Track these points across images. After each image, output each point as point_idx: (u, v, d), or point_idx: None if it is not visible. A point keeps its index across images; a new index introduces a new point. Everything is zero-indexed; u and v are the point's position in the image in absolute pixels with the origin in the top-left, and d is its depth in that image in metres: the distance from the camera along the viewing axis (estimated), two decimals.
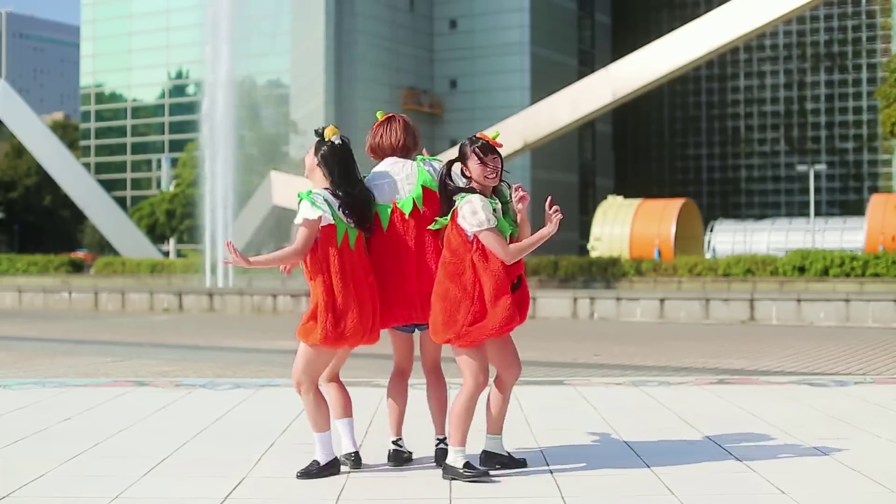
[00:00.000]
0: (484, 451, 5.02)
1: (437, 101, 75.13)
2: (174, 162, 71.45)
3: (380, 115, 5.25)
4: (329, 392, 5.19)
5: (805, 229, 45.24)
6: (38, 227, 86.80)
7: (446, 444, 5.13)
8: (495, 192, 4.93)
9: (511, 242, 4.85)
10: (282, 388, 8.34)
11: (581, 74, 59.72)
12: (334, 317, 4.89)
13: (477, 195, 4.81)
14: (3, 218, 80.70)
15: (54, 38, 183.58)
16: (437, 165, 5.12)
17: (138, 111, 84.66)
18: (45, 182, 73.02)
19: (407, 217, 5.02)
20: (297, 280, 29.08)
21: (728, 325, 18.37)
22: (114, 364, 11.59)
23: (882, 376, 9.51)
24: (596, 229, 41.23)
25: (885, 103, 36.24)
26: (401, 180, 5.07)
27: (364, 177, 5.12)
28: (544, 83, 67.12)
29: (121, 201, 67.61)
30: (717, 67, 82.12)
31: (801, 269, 25.61)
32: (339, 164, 4.99)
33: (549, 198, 4.94)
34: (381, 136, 5.17)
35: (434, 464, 5.11)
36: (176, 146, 76.40)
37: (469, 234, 4.80)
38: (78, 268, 40.13)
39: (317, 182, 5.04)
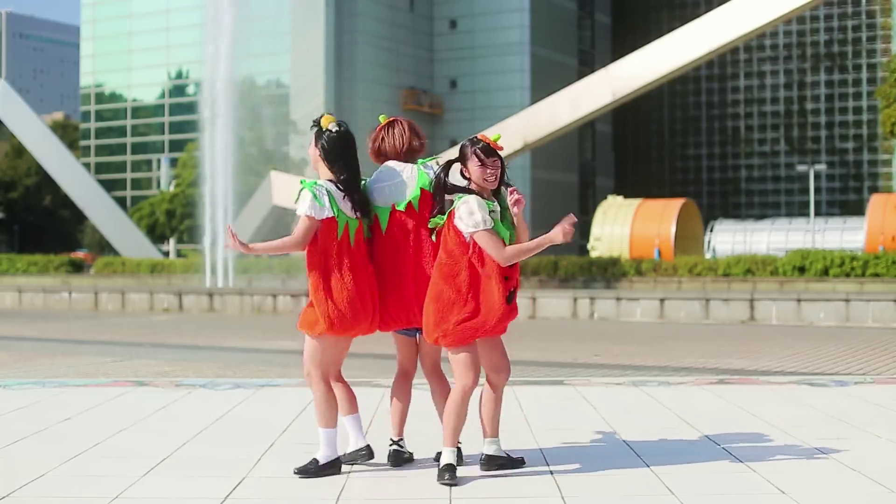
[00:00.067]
0: (486, 455, 5.01)
1: (437, 101, 75.13)
2: (174, 162, 71.45)
3: (382, 119, 5.24)
4: (336, 390, 5.21)
5: (805, 229, 45.24)
6: (38, 227, 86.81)
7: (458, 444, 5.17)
8: (496, 196, 4.92)
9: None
10: (282, 388, 8.35)
11: (581, 74, 59.73)
12: (336, 306, 4.92)
13: (474, 196, 4.81)
14: (3, 218, 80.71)
15: (54, 38, 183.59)
16: (436, 167, 5.12)
17: (138, 111, 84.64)
18: (45, 182, 73.03)
19: (404, 219, 5.03)
20: (298, 280, 29.15)
21: (728, 325, 18.37)
22: (114, 364, 11.58)
23: (882, 376, 9.51)
24: (596, 229, 41.23)
25: (885, 103, 36.25)
26: (401, 183, 5.07)
27: (364, 180, 5.12)
28: (544, 83, 67.12)
29: (121, 201, 67.60)
30: (717, 67, 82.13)
31: (801, 269, 25.61)
32: (339, 151, 5.01)
33: (574, 219, 4.88)
34: (385, 140, 5.17)
35: (436, 464, 5.11)
36: (176, 146, 76.40)
37: (466, 235, 4.79)
38: (78, 268, 40.14)
39: (322, 173, 5.06)
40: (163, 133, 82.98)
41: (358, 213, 5.00)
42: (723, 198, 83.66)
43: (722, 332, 16.64)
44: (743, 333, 16.17)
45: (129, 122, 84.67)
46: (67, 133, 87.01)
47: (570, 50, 78.45)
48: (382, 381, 7.94)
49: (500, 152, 4.91)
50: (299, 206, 4.95)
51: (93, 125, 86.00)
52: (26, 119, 50.59)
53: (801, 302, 18.66)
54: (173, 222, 62.96)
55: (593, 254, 38.59)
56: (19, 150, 77.57)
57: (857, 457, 5.26)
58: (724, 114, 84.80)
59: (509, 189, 4.91)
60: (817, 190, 69.09)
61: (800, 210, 73.39)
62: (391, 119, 5.23)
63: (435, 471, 4.88)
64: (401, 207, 5.03)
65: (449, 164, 4.92)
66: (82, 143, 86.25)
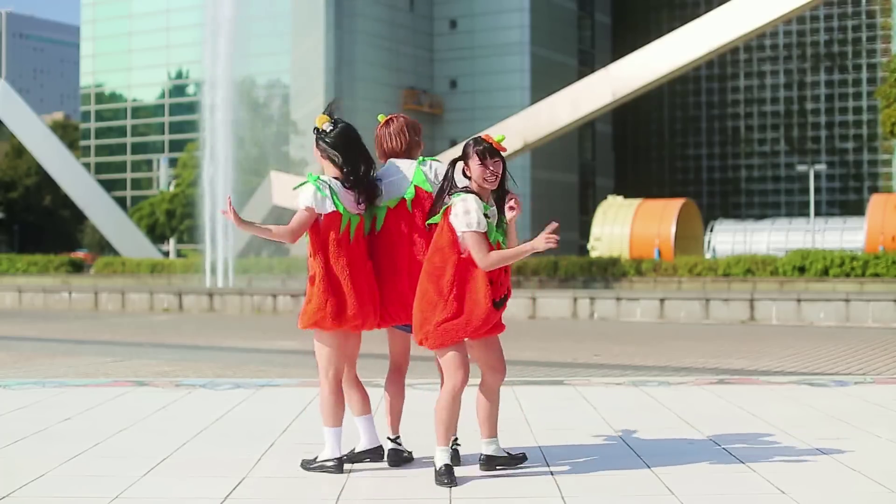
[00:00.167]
0: (485, 455, 5.00)
1: (437, 101, 75.14)
2: (173, 162, 71.45)
3: (381, 119, 5.28)
4: (348, 391, 5.24)
5: (805, 229, 45.25)
6: (38, 227, 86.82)
7: (457, 445, 5.17)
8: (497, 201, 4.89)
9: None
10: (282, 388, 8.35)
11: (581, 74, 59.74)
12: (333, 300, 4.94)
13: (473, 196, 4.80)
14: (3, 218, 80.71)
15: (54, 38, 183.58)
16: (436, 165, 5.14)
17: (138, 111, 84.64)
18: (45, 182, 73.04)
19: (399, 216, 5.06)
20: (298, 280, 29.14)
21: (728, 325, 18.37)
22: (114, 364, 11.58)
23: (882, 376, 9.51)
24: (596, 229, 41.24)
25: (885, 103, 36.26)
26: (397, 181, 5.10)
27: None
28: (544, 83, 67.13)
29: (121, 201, 67.61)
30: (717, 67, 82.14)
31: (801, 269, 25.62)
32: (338, 148, 5.02)
33: (556, 224, 4.89)
34: (383, 140, 5.22)
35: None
36: (176, 146, 76.40)
37: (459, 233, 4.79)
38: (78, 268, 40.14)
39: (329, 171, 5.09)
40: (163, 133, 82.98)
41: (361, 207, 5.02)
42: (723, 198, 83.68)
43: (722, 332, 16.64)
44: (743, 333, 16.17)
45: (129, 122, 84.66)
46: (67, 133, 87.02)
47: (570, 50, 78.45)
48: (382, 381, 7.94)
49: (502, 155, 4.90)
50: (300, 198, 4.96)
51: (93, 125, 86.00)
52: (26, 119, 50.59)
53: (801, 302, 18.66)
54: (173, 222, 62.97)
55: (593, 254, 38.60)
56: (19, 150, 77.59)
57: (857, 457, 5.26)
58: (724, 114, 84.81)
59: (508, 195, 4.90)
60: (817, 190, 69.10)
61: (800, 210, 73.41)
62: (388, 117, 5.27)
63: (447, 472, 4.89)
64: (392, 205, 5.06)
65: (454, 162, 4.92)
66: (82, 143, 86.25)
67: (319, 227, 4.97)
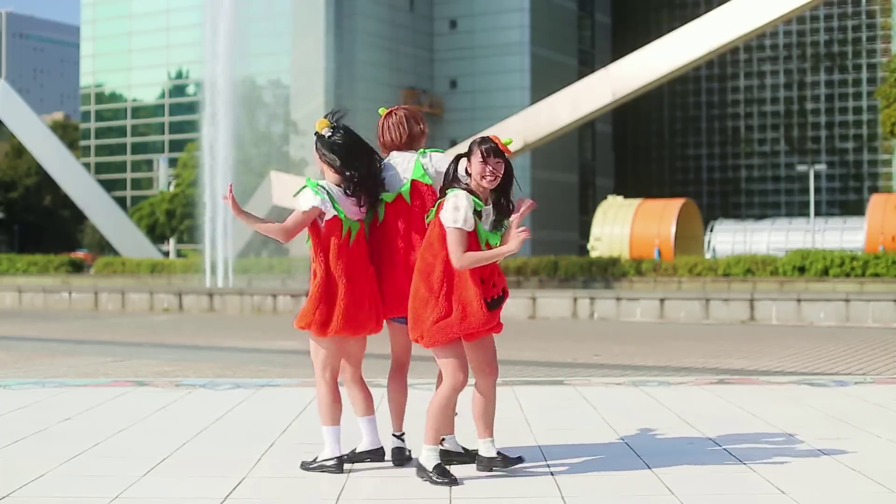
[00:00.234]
0: (479, 456, 5.00)
1: (437, 101, 75.15)
2: (173, 162, 71.45)
3: (382, 112, 5.28)
4: (351, 391, 5.24)
5: (805, 229, 45.25)
6: (38, 227, 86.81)
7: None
8: (496, 208, 4.84)
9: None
10: (282, 388, 8.35)
11: (581, 74, 59.74)
12: (326, 308, 4.95)
13: (465, 192, 4.79)
14: (3, 218, 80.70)
15: (54, 38, 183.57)
16: (437, 157, 5.12)
17: (138, 111, 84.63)
18: (45, 182, 73.03)
19: (396, 210, 5.07)
20: (298, 280, 29.14)
21: (728, 325, 18.37)
22: (114, 364, 11.58)
23: (882, 376, 9.51)
24: (596, 229, 41.24)
25: (885, 103, 36.27)
26: (395, 175, 5.10)
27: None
28: (544, 83, 67.12)
29: (121, 201, 67.61)
30: (717, 67, 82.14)
31: (801, 269, 25.61)
32: (336, 153, 5.02)
33: (530, 202, 4.88)
34: (383, 132, 5.22)
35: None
36: (176, 146, 76.39)
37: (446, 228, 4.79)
38: (78, 268, 40.15)
39: (329, 177, 5.09)
40: (163, 133, 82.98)
41: (363, 211, 5.03)
42: (723, 198, 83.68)
43: (722, 332, 16.64)
44: (743, 333, 16.17)
45: (129, 122, 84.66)
46: (67, 133, 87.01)
47: (570, 50, 78.45)
48: (382, 381, 7.94)
49: (506, 157, 4.87)
50: (299, 202, 4.96)
51: (93, 125, 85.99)
52: (26, 119, 50.59)
53: (801, 302, 18.66)
54: (173, 222, 62.96)
55: (593, 254, 38.60)
56: (19, 150, 77.58)
57: (857, 457, 5.26)
58: (724, 114, 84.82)
59: (521, 200, 4.87)
60: (817, 190, 69.10)
61: (800, 210, 73.41)
62: (389, 110, 5.27)
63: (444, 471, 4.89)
64: (389, 199, 5.06)
65: (458, 158, 4.92)
66: (82, 143, 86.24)
67: (320, 231, 4.97)
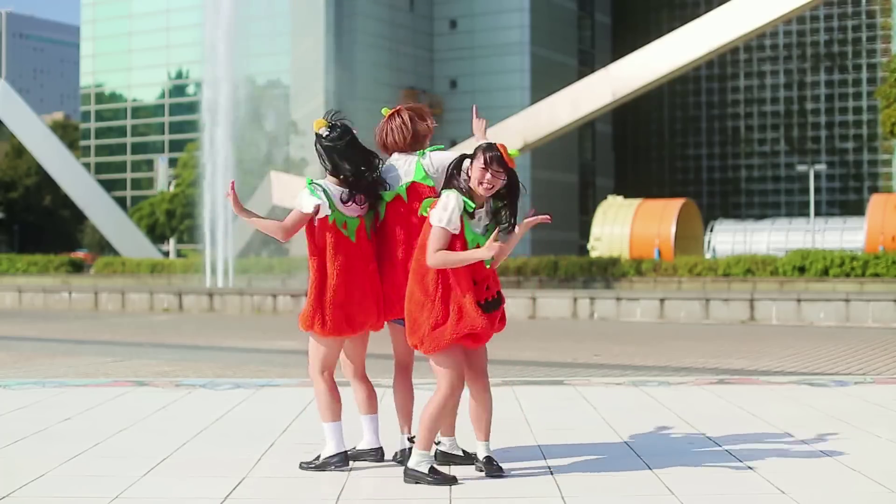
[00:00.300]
0: (478, 457, 4.99)
1: (437, 101, 75.14)
2: (173, 162, 71.45)
3: (385, 113, 5.24)
4: (355, 388, 5.26)
5: (805, 229, 45.25)
6: (38, 227, 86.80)
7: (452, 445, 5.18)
8: (495, 215, 4.82)
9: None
10: (282, 388, 8.35)
11: (581, 74, 59.73)
12: (322, 308, 4.95)
13: (457, 193, 4.78)
14: (3, 218, 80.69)
15: (54, 38, 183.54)
16: (436, 156, 5.10)
17: (138, 111, 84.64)
18: (45, 182, 73.02)
19: (395, 211, 5.07)
20: (298, 280, 29.14)
21: (728, 325, 18.37)
22: (114, 364, 11.58)
23: (882, 376, 9.51)
24: (596, 229, 41.24)
25: (885, 103, 36.27)
26: (396, 178, 5.10)
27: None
28: (544, 83, 67.12)
29: (121, 201, 67.61)
30: (717, 67, 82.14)
31: (801, 269, 25.61)
32: (332, 153, 5.02)
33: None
34: (386, 134, 5.19)
35: (444, 465, 5.10)
36: (176, 146, 76.39)
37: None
38: (78, 268, 40.15)
39: (329, 176, 5.10)
40: (163, 133, 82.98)
41: (363, 209, 5.03)
42: (723, 198, 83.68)
43: (722, 332, 16.64)
44: (743, 333, 16.17)
45: (129, 122, 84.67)
46: (67, 133, 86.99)
47: (570, 50, 78.46)
48: (382, 381, 7.94)
49: (509, 167, 4.84)
50: (300, 202, 4.98)
51: (93, 125, 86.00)
52: (26, 119, 50.59)
53: (801, 302, 18.66)
54: (173, 222, 62.96)
55: (593, 254, 38.59)
56: (19, 150, 77.56)
57: (857, 457, 5.26)
58: (724, 114, 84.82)
59: (534, 211, 4.86)
60: (817, 190, 69.08)
61: (800, 210, 73.40)
62: (392, 111, 5.23)
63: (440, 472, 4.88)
64: (389, 198, 5.06)
65: (462, 158, 4.90)
66: (82, 143, 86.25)
67: (315, 231, 4.98)
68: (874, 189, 72.85)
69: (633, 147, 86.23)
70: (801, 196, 77.09)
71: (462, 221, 4.76)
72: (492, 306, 4.81)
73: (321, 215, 4.96)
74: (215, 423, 6.53)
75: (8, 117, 51.01)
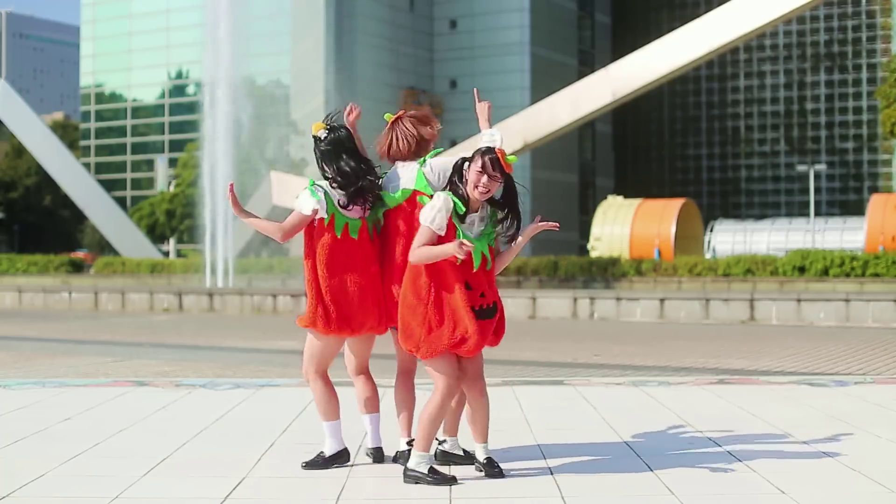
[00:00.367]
0: (479, 458, 4.98)
1: (437, 101, 75.16)
2: (173, 162, 71.46)
3: (388, 118, 5.22)
4: (357, 385, 5.27)
5: (805, 229, 45.25)
6: (38, 227, 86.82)
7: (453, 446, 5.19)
8: (492, 218, 4.82)
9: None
10: (282, 388, 8.35)
11: (581, 74, 59.74)
12: (325, 305, 4.96)
13: (447, 195, 4.76)
14: (3, 218, 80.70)
15: (54, 38, 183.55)
16: (436, 162, 5.09)
17: (138, 111, 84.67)
18: (45, 182, 73.04)
19: (394, 219, 5.06)
20: (298, 280, 29.13)
21: (728, 325, 18.37)
22: (114, 364, 11.58)
23: (882, 376, 9.51)
24: (596, 229, 41.24)
25: (885, 103, 36.28)
26: (397, 188, 5.08)
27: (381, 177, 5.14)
28: (544, 83, 67.15)
29: (121, 201, 67.63)
30: (717, 67, 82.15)
31: (801, 269, 25.61)
32: (328, 156, 5.03)
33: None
34: (389, 144, 5.16)
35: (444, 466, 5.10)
36: (176, 146, 76.42)
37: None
38: (78, 268, 40.15)
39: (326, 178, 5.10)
40: (163, 133, 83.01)
41: (365, 210, 5.03)
42: (723, 198, 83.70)
43: (722, 332, 16.64)
44: (743, 333, 16.17)
45: (129, 122, 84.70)
46: (67, 133, 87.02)
47: (570, 50, 78.47)
48: (383, 381, 7.94)
49: (506, 172, 4.83)
50: (300, 204, 4.99)
51: (93, 125, 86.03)
52: (26, 119, 50.60)
53: (801, 302, 18.66)
54: (173, 222, 62.98)
55: (593, 254, 38.60)
56: (19, 150, 77.58)
57: (857, 457, 5.26)
58: (724, 114, 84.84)
59: (546, 223, 4.84)
60: (817, 190, 69.11)
61: (800, 210, 73.42)
62: (394, 118, 5.20)
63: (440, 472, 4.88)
64: (390, 205, 5.06)
65: (463, 161, 4.90)
66: (82, 143, 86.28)
67: (313, 232, 4.99)
68: (874, 189, 72.87)
69: (633, 147, 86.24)
70: (801, 196, 77.10)
71: (454, 224, 4.74)
72: (486, 314, 4.80)
73: (321, 216, 4.96)
74: (215, 423, 6.53)
75: (8, 117, 51.02)
